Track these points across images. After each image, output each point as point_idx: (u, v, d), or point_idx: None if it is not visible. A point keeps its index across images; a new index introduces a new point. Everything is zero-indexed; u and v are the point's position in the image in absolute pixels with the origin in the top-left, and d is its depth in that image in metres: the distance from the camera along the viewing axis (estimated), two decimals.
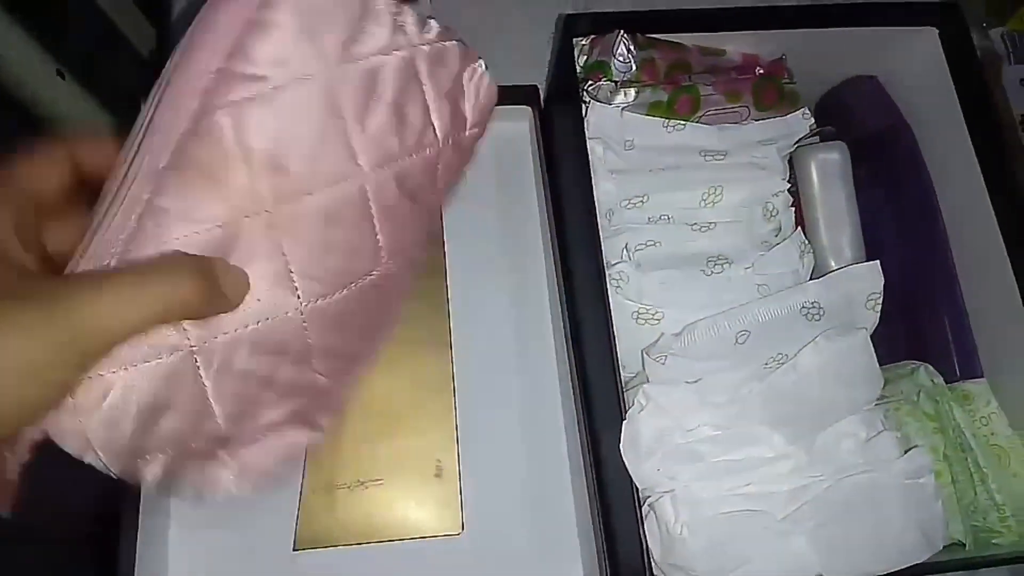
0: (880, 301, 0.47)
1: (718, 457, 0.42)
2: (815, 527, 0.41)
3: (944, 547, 0.47)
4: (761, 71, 0.53)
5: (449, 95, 0.33)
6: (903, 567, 0.41)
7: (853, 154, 0.59)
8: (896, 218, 0.57)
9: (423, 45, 0.31)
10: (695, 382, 0.44)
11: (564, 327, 0.52)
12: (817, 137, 0.61)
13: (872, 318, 0.47)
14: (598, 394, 0.47)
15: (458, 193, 0.57)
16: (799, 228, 0.50)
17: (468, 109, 0.34)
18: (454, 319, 0.57)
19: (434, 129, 0.33)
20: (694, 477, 0.42)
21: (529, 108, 0.58)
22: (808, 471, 0.42)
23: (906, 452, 0.43)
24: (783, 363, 0.44)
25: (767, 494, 0.41)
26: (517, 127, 0.59)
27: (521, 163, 0.59)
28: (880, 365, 0.54)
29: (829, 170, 0.57)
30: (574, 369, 0.50)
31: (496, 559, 0.51)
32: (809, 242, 0.57)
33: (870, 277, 0.46)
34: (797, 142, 0.58)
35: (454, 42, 0.33)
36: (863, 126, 0.60)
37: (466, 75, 0.34)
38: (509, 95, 0.58)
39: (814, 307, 0.46)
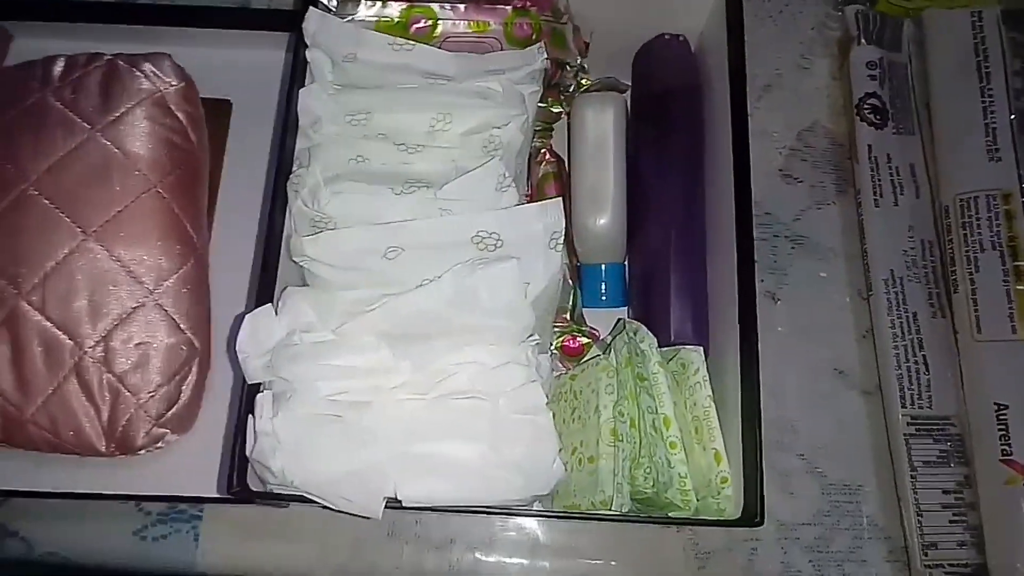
0: (561, 241, 0.45)
1: (324, 361, 0.41)
2: (399, 443, 0.40)
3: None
4: (517, 3, 0.52)
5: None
6: (490, 504, 0.40)
7: (648, 112, 0.58)
8: (663, 180, 0.55)
9: None
10: (337, 291, 0.43)
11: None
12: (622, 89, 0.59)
13: (555, 258, 0.45)
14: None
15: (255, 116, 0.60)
16: (499, 160, 0.48)
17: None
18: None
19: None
20: (298, 378, 0.41)
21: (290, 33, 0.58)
22: (413, 389, 0.41)
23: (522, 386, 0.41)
24: None
25: (361, 403, 0.40)
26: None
27: None
28: (623, 321, 0.53)
29: (600, 121, 0.56)
30: None
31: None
32: (573, 190, 0.56)
33: (552, 215, 0.45)
34: (579, 90, 0.57)
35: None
36: (662, 85, 0.58)
37: None
38: (269, 20, 0.58)
39: (491, 237, 0.44)
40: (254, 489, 0.41)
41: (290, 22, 0.54)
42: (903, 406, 0.55)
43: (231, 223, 0.59)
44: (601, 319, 0.57)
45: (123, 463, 0.52)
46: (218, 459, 0.52)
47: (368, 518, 0.40)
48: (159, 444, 0.51)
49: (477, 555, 0.54)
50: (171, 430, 0.51)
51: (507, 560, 0.54)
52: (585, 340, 0.54)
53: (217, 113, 0.61)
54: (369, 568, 0.54)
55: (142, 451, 0.51)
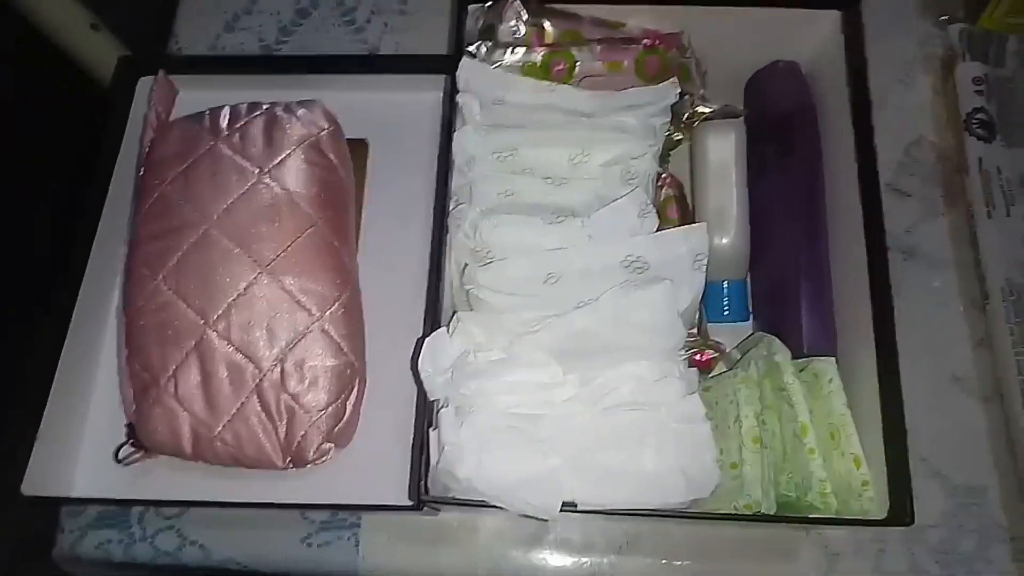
0: (705, 262, 0.49)
1: (500, 377, 0.45)
2: (573, 451, 0.44)
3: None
4: (647, 43, 0.55)
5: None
6: (655, 507, 0.43)
7: (765, 135, 0.61)
8: (785, 198, 0.58)
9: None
10: (502, 313, 0.48)
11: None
12: (738, 115, 0.63)
13: (699, 278, 0.49)
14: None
15: (391, 153, 0.65)
16: (640, 189, 0.52)
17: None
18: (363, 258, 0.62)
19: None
20: (476, 393, 0.45)
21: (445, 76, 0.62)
22: (581, 402, 0.45)
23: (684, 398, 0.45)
24: None
25: (536, 416, 0.45)
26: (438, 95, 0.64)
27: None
28: (747, 337, 0.56)
29: (722, 147, 0.59)
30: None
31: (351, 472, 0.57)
32: (697, 213, 0.59)
33: (696, 238, 0.48)
34: (699, 118, 0.60)
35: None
36: (777, 108, 0.61)
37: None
38: (425, 64, 0.64)
39: (638, 261, 0.48)
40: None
41: (444, 65, 0.59)
42: None
43: (373, 252, 0.63)
44: (723, 333, 0.60)
45: (285, 475, 0.57)
46: (369, 469, 0.57)
47: (545, 520, 0.44)
48: (324, 458, 0.56)
49: (614, 557, 0.58)
50: (336, 444, 0.56)
51: (645, 560, 0.58)
52: (713, 354, 0.58)
53: (357, 152, 0.66)
54: (515, 570, 0.58)
55: (310, 465, 0.56)
